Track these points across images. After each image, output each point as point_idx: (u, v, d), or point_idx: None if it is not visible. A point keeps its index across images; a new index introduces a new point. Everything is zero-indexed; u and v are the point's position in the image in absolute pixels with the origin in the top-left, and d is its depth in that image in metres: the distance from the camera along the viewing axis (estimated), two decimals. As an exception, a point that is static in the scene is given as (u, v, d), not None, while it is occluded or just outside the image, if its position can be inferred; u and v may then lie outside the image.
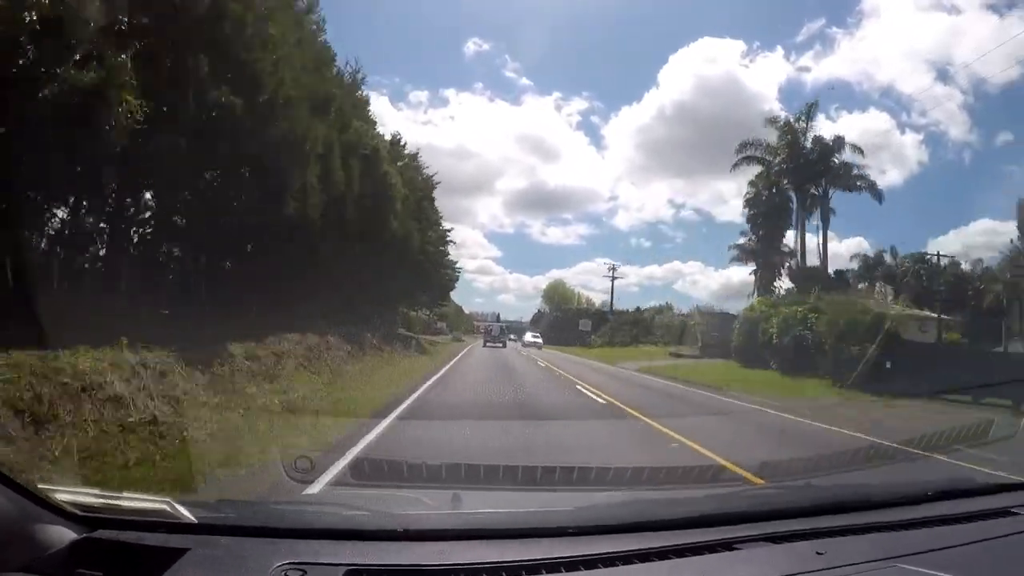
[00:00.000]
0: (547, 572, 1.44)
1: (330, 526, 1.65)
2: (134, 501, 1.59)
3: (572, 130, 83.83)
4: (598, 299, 66.94)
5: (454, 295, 57.96)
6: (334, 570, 1.37)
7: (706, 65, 70.37)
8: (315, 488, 3.95)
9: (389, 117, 77.54)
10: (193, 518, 1.53)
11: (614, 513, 1.98)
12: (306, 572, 1.35)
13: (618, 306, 57.50)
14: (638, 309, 56.45)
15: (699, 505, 2.12)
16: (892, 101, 59.66)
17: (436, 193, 31.40)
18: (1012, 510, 2.09)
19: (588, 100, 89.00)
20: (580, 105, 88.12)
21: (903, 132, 54.89)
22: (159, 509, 1.54)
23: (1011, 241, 28.94)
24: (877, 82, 70.74)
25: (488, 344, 39.56)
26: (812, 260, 32.38)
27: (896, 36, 59.21)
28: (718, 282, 73.05)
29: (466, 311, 78.37)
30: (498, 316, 75.52)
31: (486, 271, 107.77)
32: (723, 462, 5.82)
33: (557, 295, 73.19)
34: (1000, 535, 1.87)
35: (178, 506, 1.54)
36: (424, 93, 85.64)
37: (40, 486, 1.48)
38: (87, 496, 1.56)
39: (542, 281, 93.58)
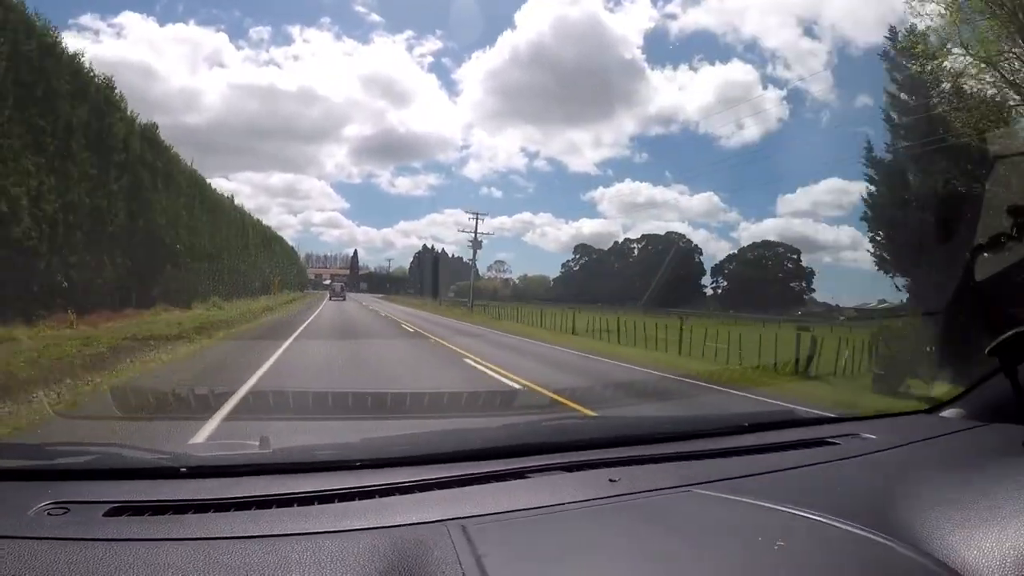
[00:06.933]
0: (339, 501, 1.41)
1: (103, 466, 1.55)
2: None
3: (424, 72, 77.53)
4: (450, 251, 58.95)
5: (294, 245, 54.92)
6: (98, 507, 1.30)
7: (567, 7, 66.16)
8: None
9: (228, 56, 67.69)
10: None
11: (401, 445, 1.95)
12: (69, 510, 1.27)
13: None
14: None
15: (491, 436, 2.06)
16: (756, 55, 60.19)
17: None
18: (828, 440, 1.97)
19: (441, 40, 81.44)
20: (433, 45, 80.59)
21: (765, 87, 55.85)
22: None
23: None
24: (743, 35, 73.00)
25: (333, 298, 47.66)
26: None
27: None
28: (568, 233, 70.07)
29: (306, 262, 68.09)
30: (354, 250, 72.62)
31: (335, 224, 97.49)
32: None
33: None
34: (811, 463, 1.78)
35: None
36: (266, 29, 76.66)
37: None
38: None
39: (390, 234, 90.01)
